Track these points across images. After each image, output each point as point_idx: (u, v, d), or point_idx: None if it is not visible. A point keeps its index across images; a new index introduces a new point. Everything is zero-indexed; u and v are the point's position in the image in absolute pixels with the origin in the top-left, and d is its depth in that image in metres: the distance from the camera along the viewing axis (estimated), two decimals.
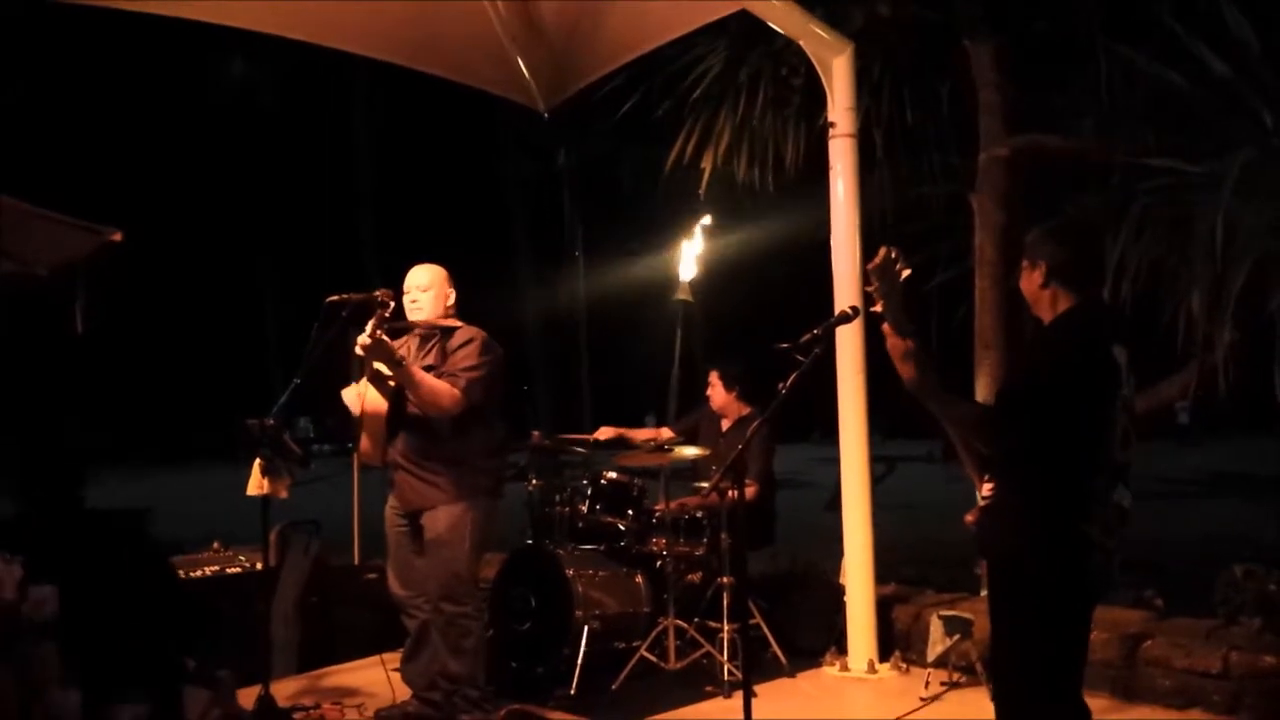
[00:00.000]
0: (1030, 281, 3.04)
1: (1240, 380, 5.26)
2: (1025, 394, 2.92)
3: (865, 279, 2.98)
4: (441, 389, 4.36)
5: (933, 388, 2.89)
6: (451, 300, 4.66)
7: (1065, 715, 2.96)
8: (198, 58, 27.85)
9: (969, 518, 3.07)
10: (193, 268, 29.44)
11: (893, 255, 2.89)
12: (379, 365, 4.38)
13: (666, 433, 6.41)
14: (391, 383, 4.43)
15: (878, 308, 2.92)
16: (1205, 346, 5.27)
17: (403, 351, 4.52)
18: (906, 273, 2.92)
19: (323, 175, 30.95)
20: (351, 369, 4.55)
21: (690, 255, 6.52)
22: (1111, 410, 2.87)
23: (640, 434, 6.36)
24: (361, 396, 4.48)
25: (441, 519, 4.46)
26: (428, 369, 4.47)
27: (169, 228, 25.26)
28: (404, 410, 4.47)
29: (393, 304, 4.30)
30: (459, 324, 4.62)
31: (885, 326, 2.92)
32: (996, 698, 3.10)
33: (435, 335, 4.61)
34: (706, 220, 6.45)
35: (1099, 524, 2.85)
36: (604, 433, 6.27)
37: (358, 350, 4.31)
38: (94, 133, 26.76)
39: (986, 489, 2.98)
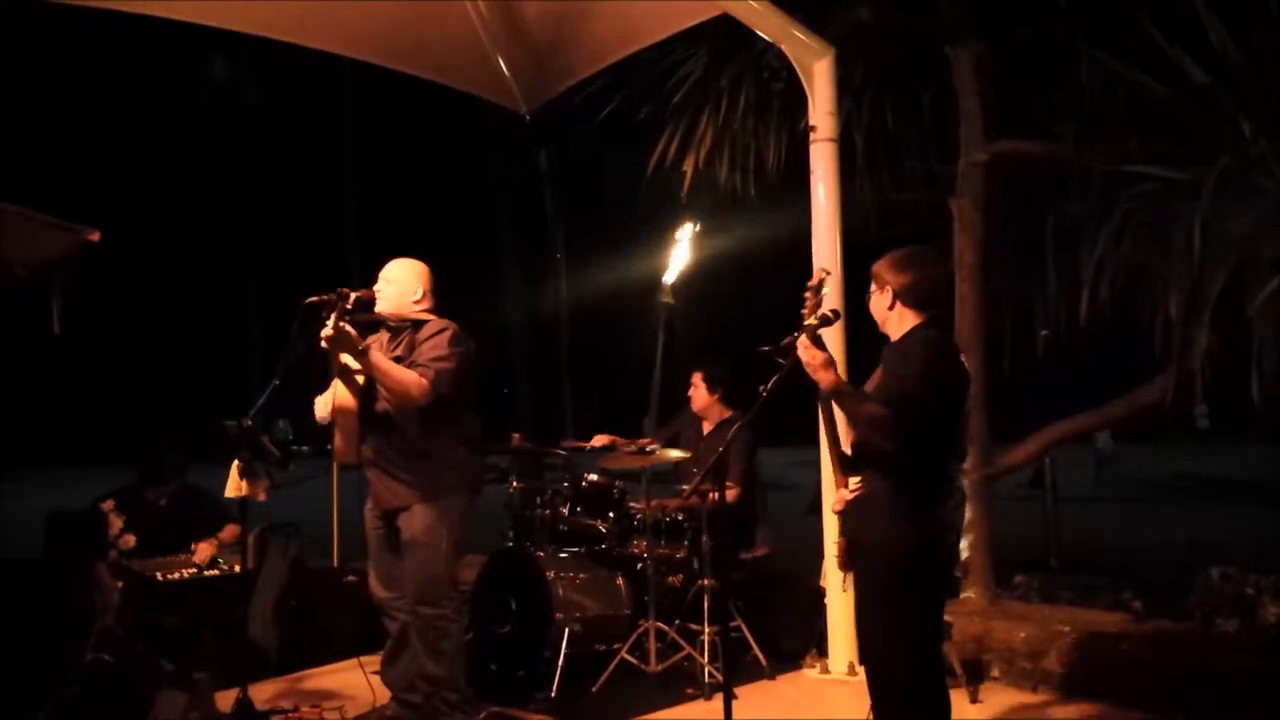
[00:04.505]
0: (879, 304, 3.51)
1: (1219, 385, 5.29)
2: (908, 402, 3.24)
3: (802, 297, 3.40)
4: (408, 378, 4.28)
5: (847, 389, 3.31)
6: (419, 295, 4.58)
7: (937, 692, 3.38)
8: (182, 58, 27.73)
9: (836, 508, 3.47)
10: (175, 268, 29.28)
11: (828, 273, 3.47)
12: (345, 358, 4.32)
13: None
14: (359, 377, 4.37)
15: (812, 320, 3.32)
16: (1183, 351, 5.30)
17: (373, 345, 4.48)
18: (828, 291, 3.48)
19: (307, 176, 30.83)
20: (330, 370, 4.50)
21: (673, 258, 6.52)
22: (963, 406, 3.49)
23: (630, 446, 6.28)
24: (332, 394, 4.43)
25: (417, 520, 4.41)
26: (396, 361, 4.41)
27: (152, 228, 25.17)
28: (373, 408, 4.42)
29: (354, 296, 4.23)
30: (430, 317, 4.56)
31: (805, 339, 3.29)
32: (873, 684, 3.44)
33: (406, 328, 4.55)
34: (689, 228, 6.44)
35: (950, 503, 3.39)
36: (599, 440, 6.19)
37: (322, 343, 4.22)
38: (76, 132, 26.61)
39: (854, 483, 3.39)
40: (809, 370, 3.28)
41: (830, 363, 3.29)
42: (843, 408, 3.32)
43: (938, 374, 3.34)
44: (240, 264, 32.47)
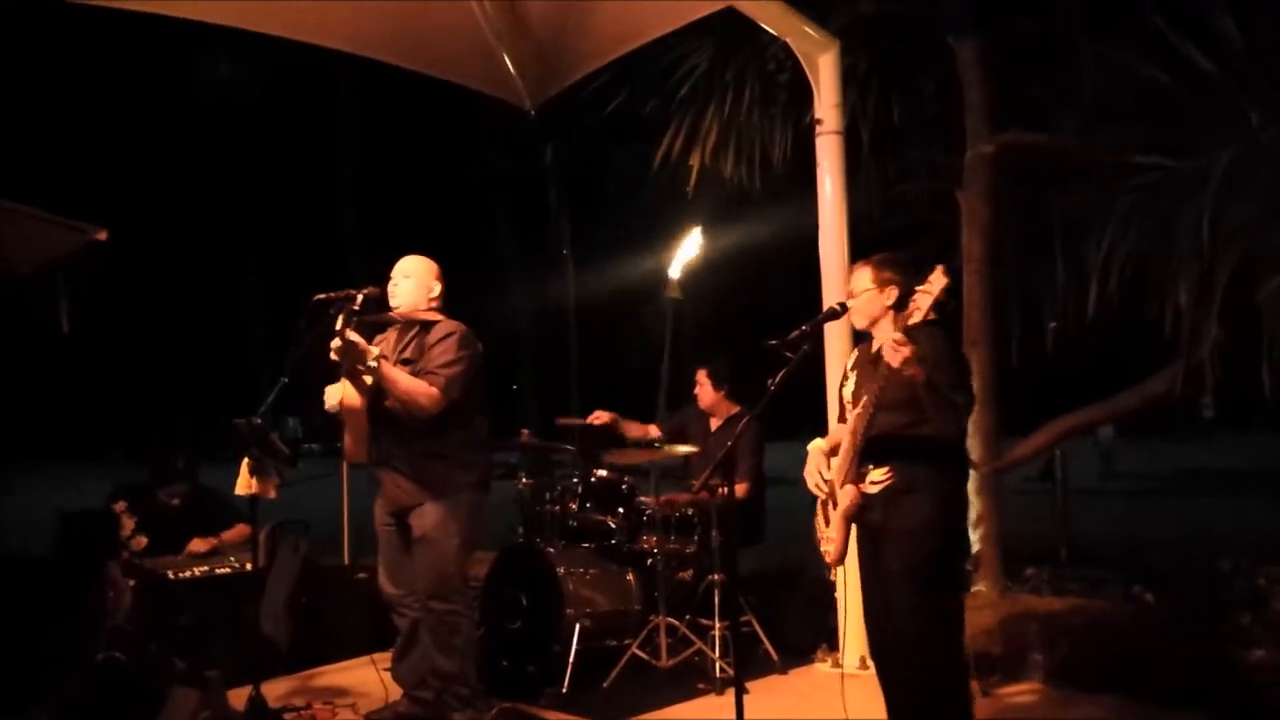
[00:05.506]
0: (875, 302, 3.58)
1: (1228, 375, 5.28)
2: (957, 392, 3.38)
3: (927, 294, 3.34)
4: (419, 389, 4.30)
5: (935, 382, 3.27)
6: (435, 293, 4.58)
7: (966, 675, 3.59)
8: (181, 55, 27.74)
9: (850, 502, 3.50)
10: (177, 267, 29.31)
11: (947, 278, 3.34)
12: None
13: (655, 430, 6.37)
14: (367, 378, 4.37)
15: (928, 318, 3.23)
16: (1192, 342, 5.29)
17: (381, 346, 4.48)
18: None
19: (309, 173, 30.83)
20: (340, 371, 4.50)
21: (679, 253, 6.51)
22: None
23: (632, 427, 6.28)
24: (341, 394, 4.44)
25: (428, 517, 4.42)
26: (405, 363, 4.42)
27: (154, 226, 25.18)
28: (382, 408, 4.41)
29: (361, 297, 4.23)
30: (439, 318, 4.56)
31: (901, 337, 3.20)
32: (894, 678, 3.56)
33: (415, 328, 4.55)
34: (698, 235, 6.44)
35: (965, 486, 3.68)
36: (599, 416, 6.18)
37: (332, 355, 4.23)
38: (80, 131, 26.65)
39: (879, 474, 3.45)
40: (903, 367, 3.21)
41: (924, 358, 3.26)
42: (932, 397, 3.32)
43: (964, 369, 3.58)
44: (243, 261, 32.48)
